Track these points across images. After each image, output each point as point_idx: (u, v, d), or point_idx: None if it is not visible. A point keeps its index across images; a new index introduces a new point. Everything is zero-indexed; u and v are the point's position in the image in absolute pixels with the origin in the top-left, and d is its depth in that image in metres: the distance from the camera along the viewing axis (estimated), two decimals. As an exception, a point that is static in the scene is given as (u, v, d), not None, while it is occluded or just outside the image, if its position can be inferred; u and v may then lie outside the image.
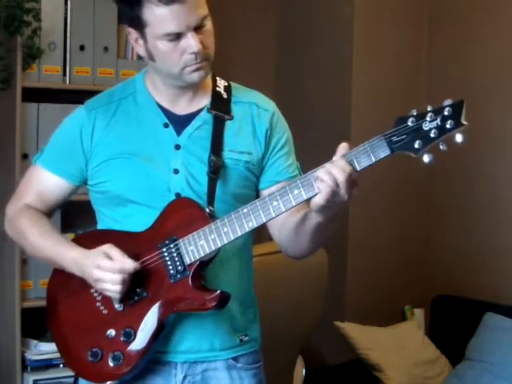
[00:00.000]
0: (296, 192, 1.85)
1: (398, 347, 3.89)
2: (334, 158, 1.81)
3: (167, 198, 2.01)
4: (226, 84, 2.15)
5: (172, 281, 1.97)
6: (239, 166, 2.06)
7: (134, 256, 1.98)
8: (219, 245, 1.93)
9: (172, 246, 1.97)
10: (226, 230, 1.91)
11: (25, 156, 3.21)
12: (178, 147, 2.05)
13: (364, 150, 1.80)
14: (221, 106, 2.09)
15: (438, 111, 1.75)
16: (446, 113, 1.74)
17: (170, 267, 1.97)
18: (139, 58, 2.11)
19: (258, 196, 2.08)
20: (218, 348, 2.06)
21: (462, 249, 4.21)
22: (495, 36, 4.08)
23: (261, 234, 2.22)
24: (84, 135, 2.09)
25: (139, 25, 1.99)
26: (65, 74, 3.34)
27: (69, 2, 3.33)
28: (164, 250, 1.98)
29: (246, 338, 2.11)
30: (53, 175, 2.13)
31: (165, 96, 2.09)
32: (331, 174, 1.78)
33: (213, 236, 1.92)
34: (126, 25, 2.06)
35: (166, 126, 2.07)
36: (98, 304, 2.03)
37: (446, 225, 4.32)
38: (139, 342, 1.98)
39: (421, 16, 4.37)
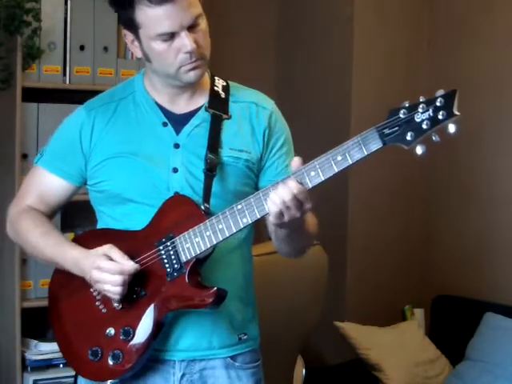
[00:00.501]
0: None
1: (398, 347, 3.89)
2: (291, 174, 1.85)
3: (166, 196, 2.02)
4: (225, 83, 2.15)
5: (169, 279, 1.97)
6: (239, 163, 2.06)
7: (132, 254, 1.99)
8: (214, 242, 1.93)
9: (169, 243, 1.98)
10: (220, 226, 1.92)
11: (25, 156, 3.21)
12: (177, 146, 2.06)
13: (356, 143, 1.80)
14: (218, 105, 2.09)
15: (429, 102, 1.74)
16: (438, 103, 1.73)
17: (167, 265, 1.98)
18: (140, 58, 2.11)
19: None
20: (216, 346, 2.07)
21: (462, 249, 4.21)
22: (495, 36, 4.08)
23: (261, 233, 2.22)
24: (83, 135, 2.10)
25: (133, 26, 2.00)
26: (65, 74, 3.34)
27: (69, 2, 3.32)
28: (161, 248, 1.99)
29: (245, 337, 2.11)
30: (53, 176, 2.13)
31: (163, 95, 2.09)
32: (279, 196, 1.82)
33: (208, 233, 1.93)
34: (122, 27, 2.08)
35: (164, 124, 2.07)
36: (97, 303, 2.04)
37: (445, 225, 4.32)
38: (138, 340, 1.98)
39: (421, 16, 4.37)
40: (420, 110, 1.75)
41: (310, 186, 1.84)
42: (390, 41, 4.24)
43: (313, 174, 1.84)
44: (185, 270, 1.96)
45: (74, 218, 3.25)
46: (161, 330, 2.00)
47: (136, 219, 2.04)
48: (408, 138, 1.75)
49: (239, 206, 1.90)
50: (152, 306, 1.98)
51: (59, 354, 2.15)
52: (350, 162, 1.81)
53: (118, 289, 1.95)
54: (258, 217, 1.90)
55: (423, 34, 4.38)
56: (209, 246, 1.94)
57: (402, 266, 4.31)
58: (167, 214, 2.00)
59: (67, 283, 2.09)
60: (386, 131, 1.77)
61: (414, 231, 4.38)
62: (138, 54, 2.06)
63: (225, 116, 2.09)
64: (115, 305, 2.01)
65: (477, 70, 4.14)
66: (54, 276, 2.15)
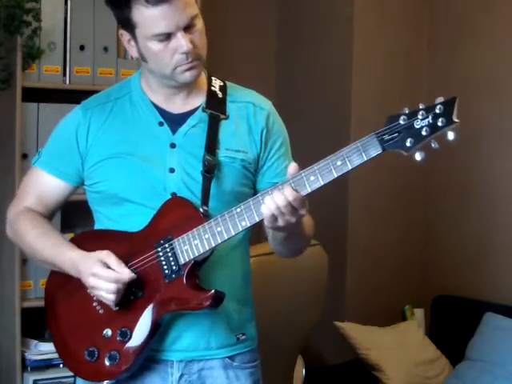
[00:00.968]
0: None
1: (398, 347, 3.89)
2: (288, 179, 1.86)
3: (163, 197, 2.02)
4: (222, 84, 2.15)
5: (167, 280, 1.97)
6: (235, 164, 2.06)
7: (130, 256, 2.00)
8: (213, 244, 1.93)
9: (167, 245, 1.98)
10: (219, 229, 1.92)
11: (25, 156, 3.21)
12: (173, 146, 2.06)
13: (356, 148, 1.80)
14: (216, 106, 2.09)
15: (429, 109, 1.75)
16: (437, 110, 1.74)
17: (165, 267, 1.98)
18: (135, 57, 2.11)
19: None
20: (214, 346, 2.07)
21: (462, 249, 4.20)
22: (495, 36, 4.08)
23: (260, 234, 2.23)
24: (79, 135, 2.10)
25: (130, 26, 2.00)
26: (65, 74, 3.34)
27: (69, 2, 3.32)
28: (159, 249, 1.99)
29: (243, 337, 2.11)
30: (51, 176, 2.13)
31: (159, 95, 2.09)
32: (274, 201, 1.83)
33: (207, 236, 1.93)
34: (119, 26, 2.08)
35: (160, 124, 2.07)
36: (94, 304, 2.04)
37: (445, 225, 4.32)
38: (135, 341, 1.99)
39: (421, 16, 4.37)
40: (420, 117, 1.76)
41: (310, 190, 1.85)
42: (390, 41, 4.23)
43: (312, 178, 1.84)
44: (183, 272, 1.96)
45: (74, 218, 3.25)
46: (158, 331, 2.00)
47: (133, 220, 2.04)
48: (407, 144, 1.76)
49: (238, 209, 1.91)
50: (149, 308, 1.98)
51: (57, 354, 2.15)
52: (350, 168, 1.81)
53: (112, 296, 1.95)
54: (257, 220, 1.90)
55: (423, 34, 4.38)
56: (207, 248, 1.94)
57: (402, 266, 4.31)
58: (166, 216, 2.00)
59: (64, 284, 2.09)
60: (386, 137, 1.78)
61: (414, 231, 4.38)
62: (135, 53, 2.06)
63: (222, 116, 2.09)
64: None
65: (476, 70, 4.14)
66: (50, 277, 2.15)
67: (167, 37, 1.96)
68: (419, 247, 4.39)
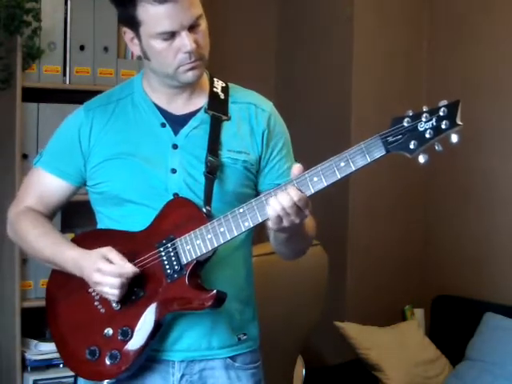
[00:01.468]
0: None
1: (398, 347, 3.89)
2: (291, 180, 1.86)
3: (165, 197, 2.02)
4: (224, 85, 2.15)
5: (169, 280, 1.97)
6: (237, 165, 2.06)
7: (132, 255, 2.00)
8: (216, 244, 1.93)
9: (169, 245, 1.98)
10: (222, 229, 1.92)
11: (25, 156, 3.21)
12: (175, 147, 2.06)
13: (360, 150, 1.81)
14: (218, 107, 2.09)
15: (433, 112, 1.76)
16: (441, 113, 1.75)
17: (167, 267, 1.97)
18: (140, 58, 2.11)
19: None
20: (215, 347, 2.07)
21: (462, 249, 4.21)
22: (495, 36, 4.08)
23: (261, 234, 2.22)
24: (82, 136, 2.10)
25: (134, 24, 2.00)
26: (65, 74, 3.34)
27: (69, 2, 3.33)
28: (161, 249, 1.98)
29: (245, 337, 2.11)
30: (53, 177, 2.13)
31: (161, 96, 2.09)
32: (279, 202, 1.83)
33: (209, 236, 1.93)
34: (121, 24, 2.08)
35: (163, 125, 2.07)
36: (95, 303, 2.04)
37: (445, 225, 4.32)
38: (136, 340, 1.98)
39: (421, 16, 4.37)
40: (423, 119, 1.77)
41: (313, 191, 1.85)
42: (390, 41, 4.24)
43: (315, 179, 1.85)
44: (185, 272, 1.96)
45: (74, 218, 3.25)
46: (159, 331, 2.00)
47: (135, 220, 2.04)
48: (411, 146, 1.77)
49: (241, 210, 1.91)
50: (151, 307, 1.98)
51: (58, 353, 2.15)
52: (353, 169, 1.82)
53: (116, 291, 1.95)
54: (260, 221, 1.90)
55: (423, 34, 4.38)
56: (210, 248, 1.94)
57: (402, 266, 4.31)
58: (168, 216, 2.00)
59: (65, 283, 2.09)
60: (390, 139, 1.79)
61: (414, 231, 4.38)
62: (137, 52, 2.06)
63: (224, 117, 2.09)
64: (114, 305, 2.01)
65: (476, 70, 4.14)
66: (51, 276, 2.15)
67: (171, 35, 1.96)
68: (419, 247, 4.39)
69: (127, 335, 1.99)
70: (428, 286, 4.29)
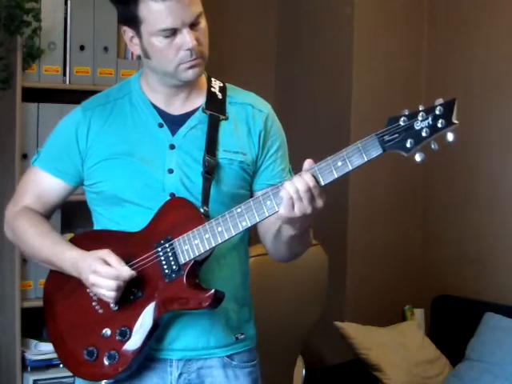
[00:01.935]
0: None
1: (398, 347, 3.89)
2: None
3: (162, 197, 2.02)
4: (222, 85, 2.15)
5: (167, 280, 1.98)
6: (234, 165, 2.07)
7: (130, 256, 2.00)
8: (213, 244, 1.94)
9: (167, 245, 1.98)
10: (220, 229, 1.92)
11: (24, 156, 3.21)
12: (172, 147, 2.06)
13: (356, 149, 1.81)
14: (216, 107, 2.10)
15: (429, 110, 1.77)
16: (437, 112, 1.76)
17: (165, 267, 1.98)
18: (139, 57, 2.11)
19: (252, 197, 2.08)
20: (213, 346, 2.07)
21: (462, 249, 4.20)
22: (495, 36, 4.08)
23: (259, 234, 2.22)
24: (79, 135, 2.10)
25: (135, 22, 2.00)
26: (65, 74, 3.34)
27: (69, 2, 3.33)
28: (159, 249, 1.99)
29: (242, 337, 2.12)
30: (50, 176, 2.13)
31: (159, 96, 2.09)
32: (294, 185, 1.83)
33: (207, 235, 1.93)
34: (121, 23, 2.08)
35: (160, 125, 2.08)
36: (93, 303, 2.04)
37: (445, 225, 4.32)
38: (134, 341, 1.99)
39: (421, 16, 4.37)
40: (420, 118, 1.77)
41: None
42: (390, 41, 4.23)
43: None
44: (183, 272, 1.96)
45: (74, 218, 3.25)
46: (156, 331, 2.00)
47: (132, 220, 2.04)
48: (408, 145, 1.78)
49: (239, 210, 1.91)
50: (149, 307, 1.98)
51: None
52: (350, 168, 1.82)
53: (113, 293, 1.96)
54: (258, 220, 1.91)
55: (423, 34, 4.38)
56: (208, 248, 1.94)
57: (402, 266, 4.31)
58: (166, 216, 2.01)
59: (63, 283, 2.09)
60: (386, 138, 1.80)
61: (414, 231, 4.38)
62: (137, 51, 2.06)
63: (222, 117, 2.09)
64: (112, 305, 2.01)
65: (477, 70, 4.14)
66: (49, 276, 2.15)
67: (173, 33, 1.97)
68: (419, 247, 4.38)
69: (125, 335, 1.99)
70: (428, 286, 4.28)
